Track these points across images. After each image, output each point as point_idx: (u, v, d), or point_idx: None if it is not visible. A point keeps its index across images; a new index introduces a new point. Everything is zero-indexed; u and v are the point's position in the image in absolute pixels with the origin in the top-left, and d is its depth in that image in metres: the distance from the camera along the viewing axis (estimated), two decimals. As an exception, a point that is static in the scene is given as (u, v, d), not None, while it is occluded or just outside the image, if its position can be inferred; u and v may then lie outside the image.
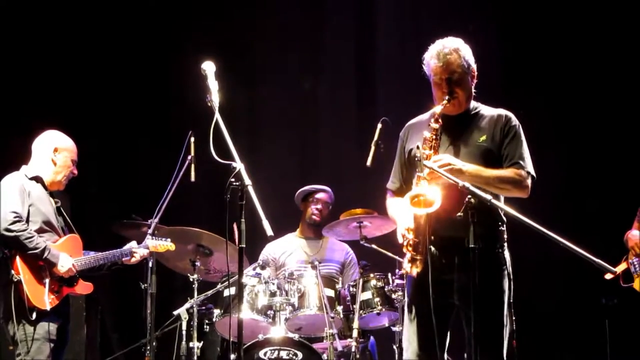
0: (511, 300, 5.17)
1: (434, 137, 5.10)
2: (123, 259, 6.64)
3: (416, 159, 4.98)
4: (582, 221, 8.50)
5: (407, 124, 5.52)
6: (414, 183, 5.07)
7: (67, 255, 6.25)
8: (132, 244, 6.69)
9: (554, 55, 9.09)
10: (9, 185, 6.25)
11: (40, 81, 8.87)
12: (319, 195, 8.35)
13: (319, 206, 8.32)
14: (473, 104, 5.33)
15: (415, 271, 4.99)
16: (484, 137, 5.20)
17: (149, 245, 6.84)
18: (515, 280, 5.20)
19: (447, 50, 5.18)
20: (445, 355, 5.25)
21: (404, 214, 5.05)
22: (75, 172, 6.59)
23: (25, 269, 6.05)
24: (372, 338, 7.73)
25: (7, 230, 6.04)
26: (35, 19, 8.86)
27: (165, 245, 7.00)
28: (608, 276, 7.17)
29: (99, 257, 6.54)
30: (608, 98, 8.87)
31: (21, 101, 8.61)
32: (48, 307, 6.08)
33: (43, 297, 6.08)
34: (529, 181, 5.17)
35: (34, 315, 6.03)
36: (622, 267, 7.08)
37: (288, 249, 8.30)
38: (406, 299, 5.41)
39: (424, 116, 5.43)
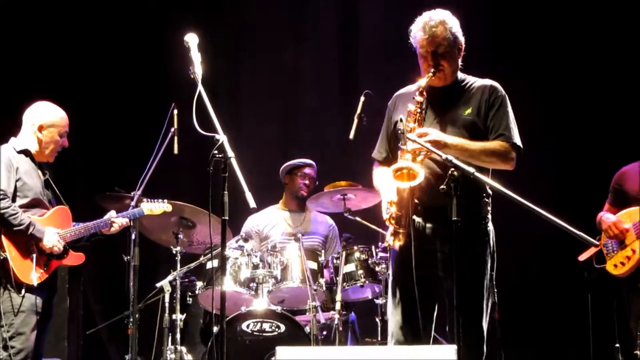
0: (493, 273, 5.18)
1: (418, 110, 5.09)
2: (102, 229, 6.61)
3: (399, 131, 4.97)
4: (566, 195, 8.52)
5: (396, 94, 5.49)
6: (398, 156, 5.07)
7: (53, 230, 6.22)
8: (111, 213, 6.66)
9: (543, 28, 9.06)
10: None
11: (25, 54, 8.83)
12: (307, 171, 8.32)
13: (307, 181, 8.30)
14: (460, 75, 5.32)
15: (397, 244, 5.00)
16: (469, 110, 5.20)
17: (144, 209, 6.83)
18: (498, 253, 5.22)
19: (433, 22, 5.16)
20: (432, 329, 5.27)
21: (389, 187, 5.05)
22: (66, 144, 6.52)
23: (11, 246, 6.03)
24: (352, 314, 7.75)
25: None
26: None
27: (161, 207, 6.99)
28: (582, 257, 7.23)
29: (89, 227, 6.51)
30: (597, 73, 8.84)
31: (6, 72, 8.57)
32: (35, 283, 6.05)
33: (30, 273, 6.05)
34: (514, 153, 5.17)
35: (23, 291, 6.02)
36: (593, 249, 7.12)
37: (272, 221, 8.29)
38: (390, 271, 5.42)
39: (413, 87, 5.39)
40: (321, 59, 9.97)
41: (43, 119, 6.40)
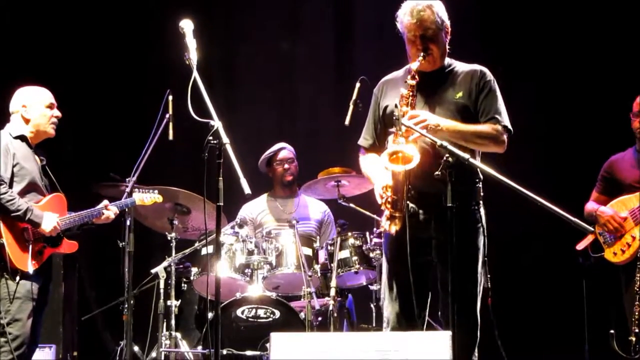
0: (485, 258, 5.20)
1: (410, 94, 5.11)
2: (93, 219, 6.59)
3: (394, 117, 4.97)
4: (560, 180, 8.53)
5: (382, 80, 5.55)
6: (391, 140, 5.07)
7: (51, 214, 6.20)
8: (104, 203, 6.65)
9: (534, 15, 9.05)
10: None
11: (16, 38, 8.80)
12: (281, 155, 8.30)
13: (286, 165, 8.28)
14: (447, 60, 5.37)
15: (394, 229, 5.00)
16: (460, 94, 5.24)
17: (135, 199, 6.83)
18: (493, 239, 5.23)
19: (421, 7, 5.20)
20: (426, 315, 5.29)
21: (380, 173, 5.06)
22: (59, 113, 6.48)
23: (7, 232, 6.00)
24: (350, 296, 7.76)
25: None
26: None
27: (152, 197, 6.99)
28: (580, 246, 7.25)
29: (84, 215, 6.49)
30: (589, 55, 8.84)
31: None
32: (31, 270, 6.04)
33: (26, 260, 6.03)
34: (505, 136, 5.22)
35: (17, 277, 6.01)
36: (589, 238, 7.15)
37: (264, 209, 8.29)
38: (384, 257, 5.44)
39: (399, 72, 5.46)
40: (317, 45, 9.96)
41: (24, 99, 6.36)
